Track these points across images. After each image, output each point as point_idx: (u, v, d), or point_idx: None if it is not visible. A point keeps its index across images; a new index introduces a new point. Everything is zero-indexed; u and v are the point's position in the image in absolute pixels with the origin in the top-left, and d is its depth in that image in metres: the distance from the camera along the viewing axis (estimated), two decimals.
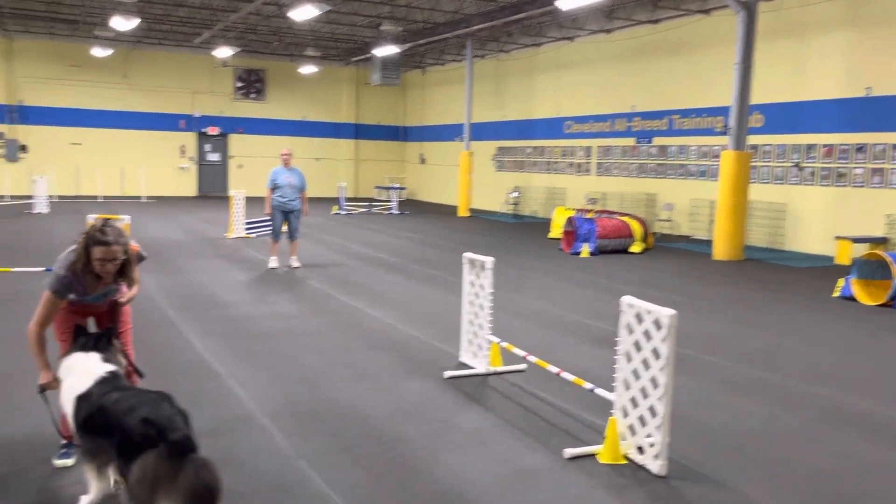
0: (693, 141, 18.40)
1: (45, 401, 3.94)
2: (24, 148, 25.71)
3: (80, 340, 3.82)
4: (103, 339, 3.85)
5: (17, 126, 25.59)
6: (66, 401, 3.62)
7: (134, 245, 4.20)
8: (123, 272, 4.01)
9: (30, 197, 23.18)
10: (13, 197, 23.99)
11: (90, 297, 4.12)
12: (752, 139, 15.64)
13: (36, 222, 17.24)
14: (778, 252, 15.62)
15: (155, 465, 2.97)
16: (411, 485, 4.04)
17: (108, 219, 4.01)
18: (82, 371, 3.63)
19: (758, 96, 15.07)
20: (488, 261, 6.00)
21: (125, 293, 4.27)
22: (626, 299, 4.52)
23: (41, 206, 19.64)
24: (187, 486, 2.94)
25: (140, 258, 4.28)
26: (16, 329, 7.18)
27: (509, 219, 22.92)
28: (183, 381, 5.72)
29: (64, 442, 4.15)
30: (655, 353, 4.31)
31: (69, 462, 4.13)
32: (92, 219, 8.40)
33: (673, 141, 18.97)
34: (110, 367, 3.68)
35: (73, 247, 3.96)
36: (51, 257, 12.15)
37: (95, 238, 3.85)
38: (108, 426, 3.26)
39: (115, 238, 3.88)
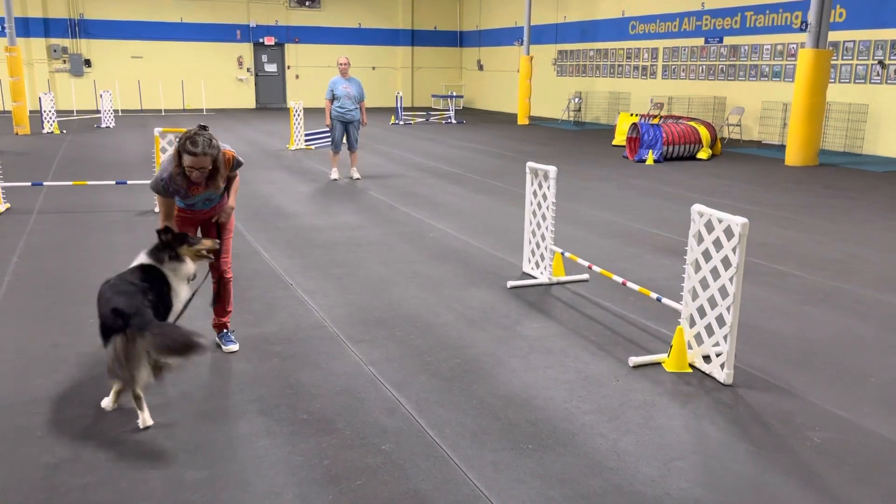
0: (767, 39, 17.39)
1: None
2: (88, 63, 26.13)
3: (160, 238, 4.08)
4: (164, 237, 4.04)
5: (79, 40, 25.93)
6: None
7: (229, 150, 4.33)
8: (214, 177, 4.17)
9: (96, 111, 23.75)
10: (79, 112, 24.59)
11: (196, 201, 4.35)
12: (833, 35, 14.68)
13: (104, 136, 17.70)
14: (855, 156, 14.90)
15: (120, 346, 3.48)
16: (478, 390, 4.13)
17: (203, 126, 4.14)
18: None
19: None
20: (551, 170, 5.88)
21: (224, 206, 4.51)
22: (697, 207, 4.39)
23: (107, 121, 20.10)
24: (157, 348, 3.45)
25: (237, 164, 4.41)
26: (94, 240, 7.49)
27: (571, 126, 22.39)
28: (254, 290, 5.91)
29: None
30: (725, 262, 4.21)
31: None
32: (158, 132, 8.56)
33: (745, 40, 17.96)
34: (144, 261, 3.97)
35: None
36: (121, 170, 12.48)
37: (186, 148, 4.01)
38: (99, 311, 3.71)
39: (204, 149, 4.01)
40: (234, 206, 4.58)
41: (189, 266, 4.09)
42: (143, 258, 4.02)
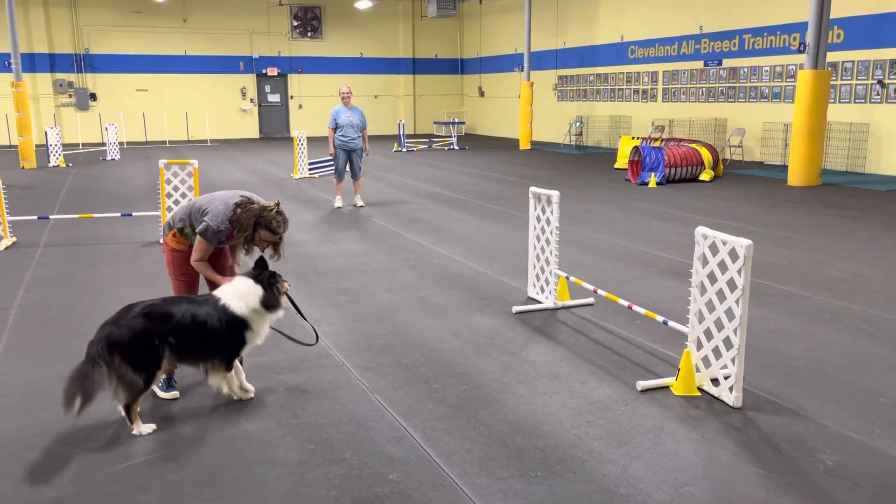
0: (766, 61, 17.51)
1: None
2: (93, 96, 26.41)
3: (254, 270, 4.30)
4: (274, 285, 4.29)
5: (84, 75, 26.24)
6: None
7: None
8: (278, 247, 4.40)
9: (102, 144, 23.94)
10: (85, 145, 24.80)
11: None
12: (832, 56, 14.78)
13: (110, 169, 17.83)
14: (858, 175, 14.91)
15: None
16: (485, 417, 4.11)
17: (279, 204, 4.28)
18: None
19: (837, 9, 14.16)
20: (554, 195, 5.90)
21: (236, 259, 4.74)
22: (700, 230, 4.39)
23: (113, 153, 20.25)
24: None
25: None
26: (99, 272, 7.51)
27: (572, 150, 22.49)
28: None
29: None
30: (731, 284, 4.20)
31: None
32: (163, 164, 8.62)
33: (744, 62, 18.09)
34: (241, 311, 4.14)
35: (232, 203, 4.25)
36: (126, 202, 12.47)
37: (270, 226, 4.18)
38: None
39: (285, 229, 4.25)
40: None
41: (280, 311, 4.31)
42: (238, 306, 4.09)
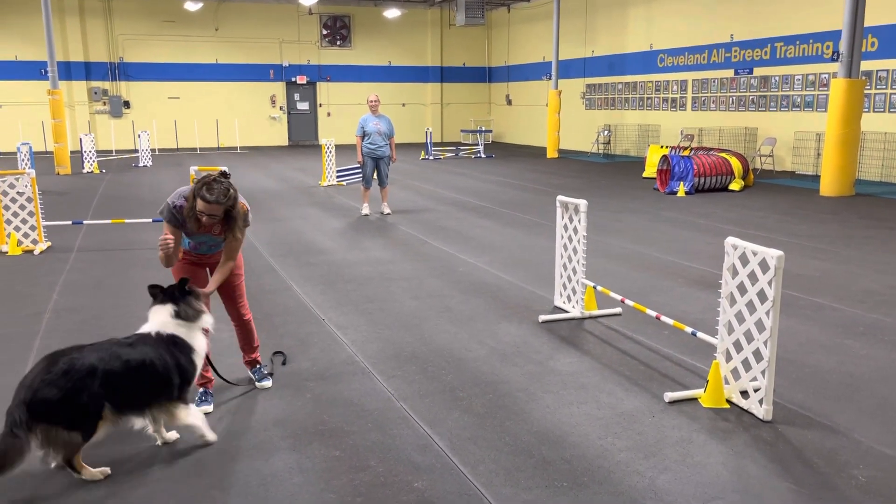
0: (798, 70, 17.28)
1: None
2: (127, 104, 26.90)
3: (157, 295, 3.91)
4: (176, 291, 3.91)
5: (119, 83, 26.74)
6: None
7: (243, 204, 4.24)
8: (231, 227, 4.17)
9: (134, 151, 24.36)
10: (118, 151, 25.24)
11: (201, 241, 4.33)
12: (866, 65, 14.54)
13: (142, 175, 18.13)
14: (893, 186, 14.63)
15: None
16: (511, 426, 4.09)
17: (225, 172, 4.15)
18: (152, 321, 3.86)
19: (871, 17, 13.93)
20: (582, 203, 5.88)
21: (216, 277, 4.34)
22: (730, 240, 4.35)
23: (145, 160, 20.59)
24: None
25: (245, 223, 4.27)
26: (131, 277, 7.63)
27: (600, 159, 22.38)
28: (287, 325, 5.95)
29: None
30: (761, 296, 4.15)
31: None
32: (194, 170, 8.74)
33: (776, 70, 17.87)
34: (171, 330, 3.79)
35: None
36: (158, 208, 12.69)
37: (201, 193, 4.00)
38: None
39: (218, 197, 4.00)
40: (226, 274, 4.34)
41: (208, 316, 3.98)
42: (168, 325, 3.77)
